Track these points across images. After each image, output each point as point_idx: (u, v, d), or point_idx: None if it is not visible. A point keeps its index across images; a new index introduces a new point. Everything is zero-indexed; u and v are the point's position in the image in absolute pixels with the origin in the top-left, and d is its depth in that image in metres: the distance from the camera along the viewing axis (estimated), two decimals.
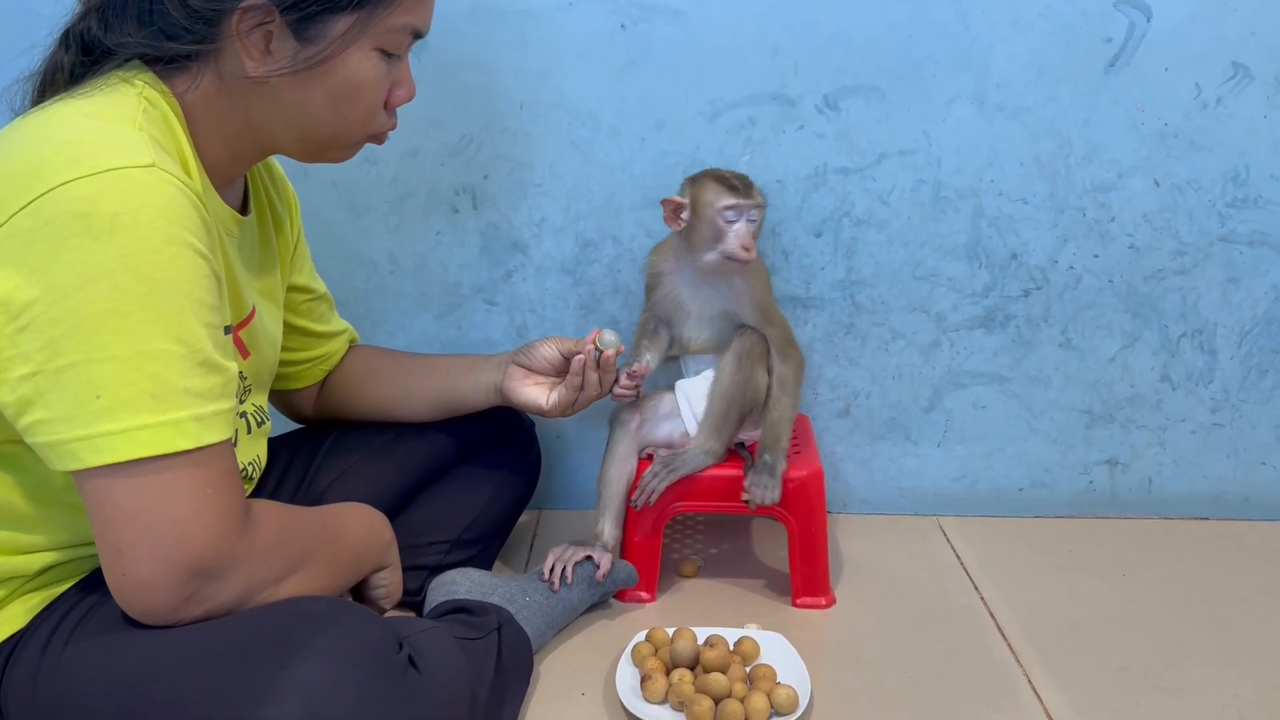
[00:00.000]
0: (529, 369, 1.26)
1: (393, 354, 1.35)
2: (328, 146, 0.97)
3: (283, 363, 1.22)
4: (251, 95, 0.90)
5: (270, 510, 0.89)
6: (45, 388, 0.75)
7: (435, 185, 1.53)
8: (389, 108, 0.97)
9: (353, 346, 1.35)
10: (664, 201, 1.33)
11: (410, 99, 0.98)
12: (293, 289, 1.21)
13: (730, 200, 1.29)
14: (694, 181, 1.33)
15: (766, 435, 1.35)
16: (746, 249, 1.29)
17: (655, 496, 1.33)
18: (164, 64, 0.89)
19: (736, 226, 1.29)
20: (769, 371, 1.36)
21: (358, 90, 0.91)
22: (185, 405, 0.78)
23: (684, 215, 1.32)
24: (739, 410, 1.34)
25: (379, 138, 1.00)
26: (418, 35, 0.96)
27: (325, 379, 1.32)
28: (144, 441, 0.76)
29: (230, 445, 0.83)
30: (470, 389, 1.27)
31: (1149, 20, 1.44)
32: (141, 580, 0.79)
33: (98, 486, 0.77)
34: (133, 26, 0.87)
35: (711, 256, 1.31)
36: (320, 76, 0.89)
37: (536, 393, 1.24)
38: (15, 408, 0.77)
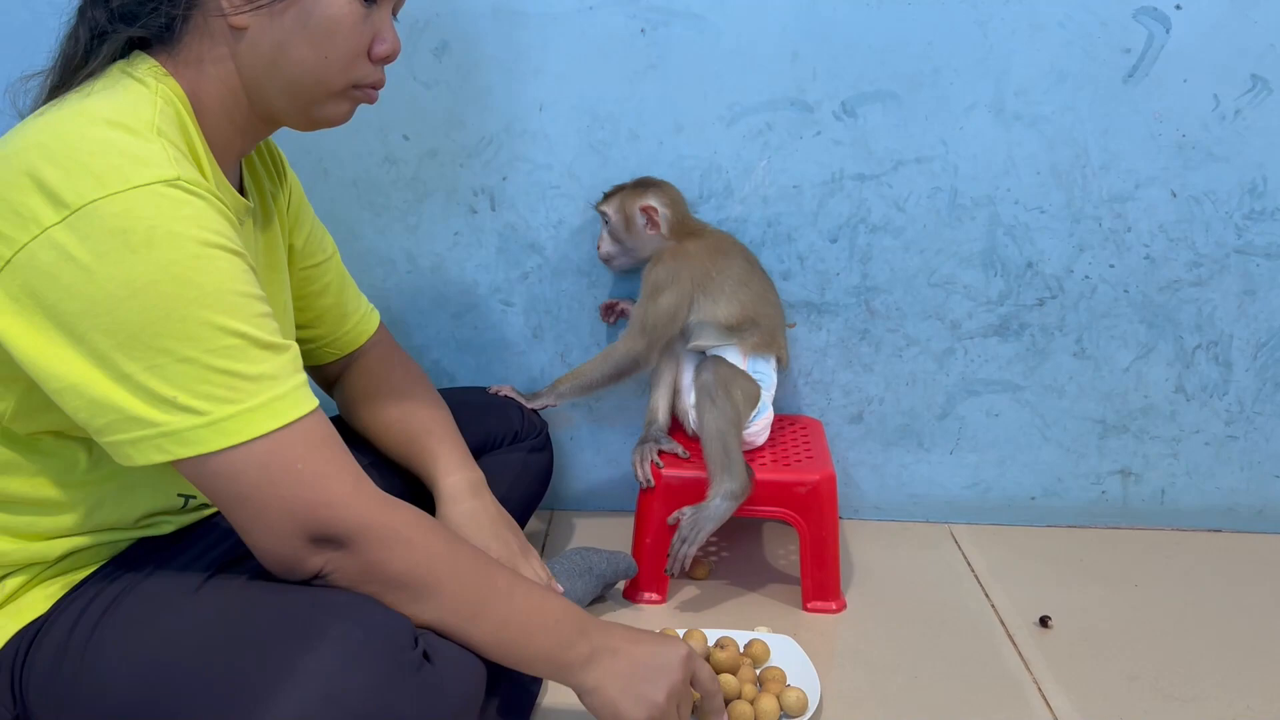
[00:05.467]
0: None
1: (401, 411, 1.23)
2: (315, 96, 0.96)
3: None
4: (238, 50, 0.91)
5: (418, 517, 0.90)
6: (110, 393, 0.77)
7: (454, 186, 1.54)
8: (373, 60, 0.97)
9: (378, 364, 1.28)
10: None
11: (394, 52, 0.98)
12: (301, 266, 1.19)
13: None
14: None
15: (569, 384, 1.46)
16: (597, 247, 1.50)
17: (689, 561, 1.33)
18: (161, 46, 0.91)
19: None
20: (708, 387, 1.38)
21: (334, 27, 0.92)
22: (264, 389, 0.80)
23: None
24: (735, 439, 1.34)
25: (367, 93, 0.99)
26: None
27: (345, 378, 1.28)
28: (232, 430, 0.79)
29: (322, 413, 0.86)
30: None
31: (1168, 31, 1.44)
32: (267, 554, 0.84)
33: (201, 475, 0.81)
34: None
35: None
36: (297, 16, 0.90)
37: None
38: (85, 413, 0.79)
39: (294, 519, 0.82)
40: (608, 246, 1.48)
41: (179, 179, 0.79)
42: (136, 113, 0.84)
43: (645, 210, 1.43)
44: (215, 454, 0.79)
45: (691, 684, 0.97)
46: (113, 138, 0.81)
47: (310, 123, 0.98)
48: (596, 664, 0.92)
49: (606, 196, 1.47)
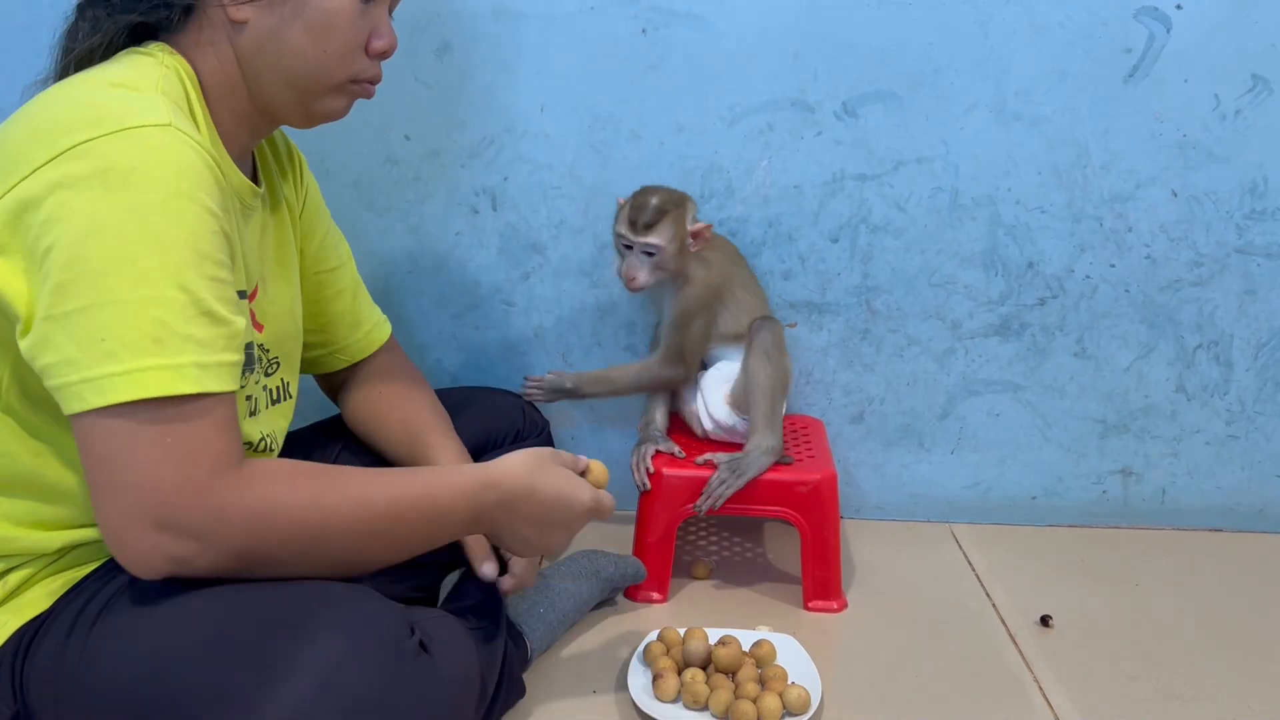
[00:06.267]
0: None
1: (406, 429, 1.21)
2: (314, 89, 0.97)
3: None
4: (238, 43, 0.93)
5: (276, 476, 0.85)
6: (53, 331, 0.78)
7: (455, 186, 1.54)
8: (370, 55, 0.99)
9: (392, 387, 1.25)
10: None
11: (391, 48, 1.00)
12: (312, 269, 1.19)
13: (622, 229, 1.36)
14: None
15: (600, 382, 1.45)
16: (627, 280, 1.36)
17: (721, 502, 1.35)
18: (164, 35, 0.93)
19: (626, 256, 1.37)
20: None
21: (333, 21, 0.93)
22: (187, 351, 0.79)
23: None
24: (781, 399, 1.38)
25: (365, 88, 1.00)
26: None
27: (350, 384, 1.27)
28: (145, 383, 0.77)
29: (232, 401, 0.83)
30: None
31: (1169, 31, 1.44)
32: (111, 528, 0.80)
33: (88, 429, 0.78)
34: None
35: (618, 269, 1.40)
36: (295, 9, 0.92)
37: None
38: (31, 352, 0.79)
39: (142, 498, 0.78)
40: (647, 277, 1.36)
41: (171, 125, 0.81)
42: (142, 76, 0.87)
43: (699, 233, 1.37)
44: (118, 406, 0.76)
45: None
46: (115, 93, 0.83)
47: (308, 117, 0.99)
48: (500, 519, 0.95)
49: (647, 227, 1.33)
